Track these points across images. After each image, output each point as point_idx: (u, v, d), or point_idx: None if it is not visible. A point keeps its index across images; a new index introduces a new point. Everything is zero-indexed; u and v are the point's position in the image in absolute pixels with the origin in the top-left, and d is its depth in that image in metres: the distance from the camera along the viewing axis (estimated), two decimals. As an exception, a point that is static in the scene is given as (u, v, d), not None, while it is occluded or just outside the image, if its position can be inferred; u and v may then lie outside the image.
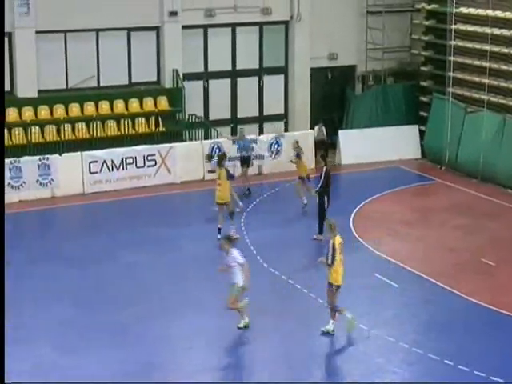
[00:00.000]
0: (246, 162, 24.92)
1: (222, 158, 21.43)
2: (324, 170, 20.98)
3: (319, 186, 20.91)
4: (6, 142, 25.10)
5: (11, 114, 25.54)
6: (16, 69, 25.86)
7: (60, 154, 24.56)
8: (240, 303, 15.58)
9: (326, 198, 20.84)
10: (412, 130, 28.93)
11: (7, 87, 25.87)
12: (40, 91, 26.17)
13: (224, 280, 15.86)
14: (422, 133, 28.79)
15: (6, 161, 23.80)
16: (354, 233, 21.34)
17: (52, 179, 24.22)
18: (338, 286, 15.50)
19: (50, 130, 25.86)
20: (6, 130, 25.25)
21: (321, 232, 20.52)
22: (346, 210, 22.88)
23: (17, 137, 25.43)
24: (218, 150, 25.85)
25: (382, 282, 18.27)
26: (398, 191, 25.12)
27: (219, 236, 19.99)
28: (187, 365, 14.71)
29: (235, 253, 15.39)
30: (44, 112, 26.07)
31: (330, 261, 15.27)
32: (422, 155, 28.69)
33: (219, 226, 20.55)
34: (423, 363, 14.84)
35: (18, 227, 22.52)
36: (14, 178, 23.88)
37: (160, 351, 15.08)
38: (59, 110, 26.26)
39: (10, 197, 23.61)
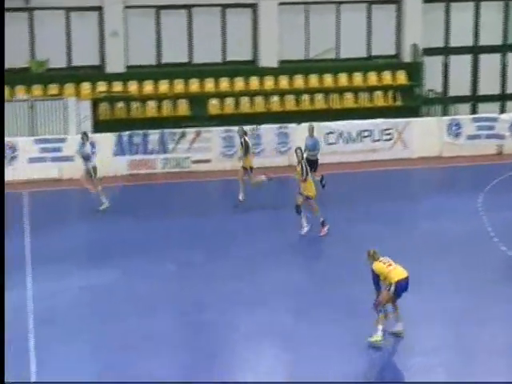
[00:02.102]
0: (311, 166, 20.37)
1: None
2: None
3: None
4: (248, 109, 25.82)
5: (253, 83, 26.26)
6: (259, 39, 26.49)
7: (298, 124, 24.92)
8: None
9: None
10: None
11: (250, 57, 26.62)
12: (281, 61, 26.66)
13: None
14: None
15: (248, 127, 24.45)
16: None
17: (290, 147, 24.65)
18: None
19: (289, 100, 26.34)
20: (248, 98, 26.01)
21: None
22: None
23: (258, 105, 26.10)
24: (456, 127, 25.32)
25: None
26: None
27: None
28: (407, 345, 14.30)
29: None
30: (284, 82, 26.56)
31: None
32: None
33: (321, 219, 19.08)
34: None
35: (252, 193, 22.91)
36: (254, 145, 24.45)
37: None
38: (298, 81, 26.67)
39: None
